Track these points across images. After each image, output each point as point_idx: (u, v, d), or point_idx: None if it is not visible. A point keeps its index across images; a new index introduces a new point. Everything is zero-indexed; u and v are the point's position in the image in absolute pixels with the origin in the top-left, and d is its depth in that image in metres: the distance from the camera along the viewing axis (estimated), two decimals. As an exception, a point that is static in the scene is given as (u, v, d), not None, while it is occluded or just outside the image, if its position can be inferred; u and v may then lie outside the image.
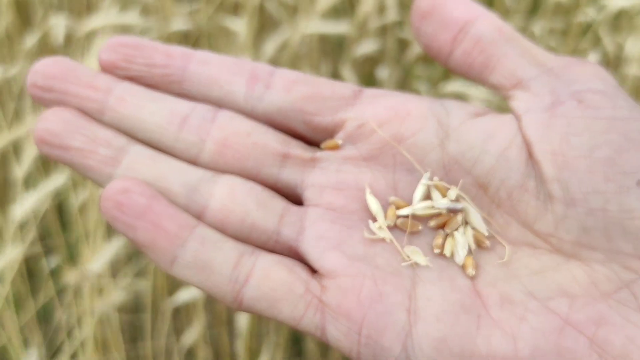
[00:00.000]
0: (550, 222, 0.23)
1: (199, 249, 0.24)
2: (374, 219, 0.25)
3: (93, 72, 0.26)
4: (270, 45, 0.69)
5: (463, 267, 0.24)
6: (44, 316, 0.76)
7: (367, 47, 0.75)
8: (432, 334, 0.23)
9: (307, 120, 0.27)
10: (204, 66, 0.27)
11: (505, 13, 0.81)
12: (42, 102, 0.26)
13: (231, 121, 0.26)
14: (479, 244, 0.25)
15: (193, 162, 0.26)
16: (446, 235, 0.25)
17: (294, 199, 0.26)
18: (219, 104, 0.27)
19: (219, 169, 0.26)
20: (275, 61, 0.72)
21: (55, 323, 0.75)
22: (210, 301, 0.75)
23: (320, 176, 0.26)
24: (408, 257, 0.24)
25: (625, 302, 0.22)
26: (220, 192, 0.25)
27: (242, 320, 0.69)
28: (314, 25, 0.67)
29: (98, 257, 0.64)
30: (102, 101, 0.25)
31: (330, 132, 0.27)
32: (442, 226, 0.25)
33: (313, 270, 0.25)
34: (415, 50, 0.78)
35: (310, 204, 0.25)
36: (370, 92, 0.27)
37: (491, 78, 0.26)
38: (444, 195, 0.25)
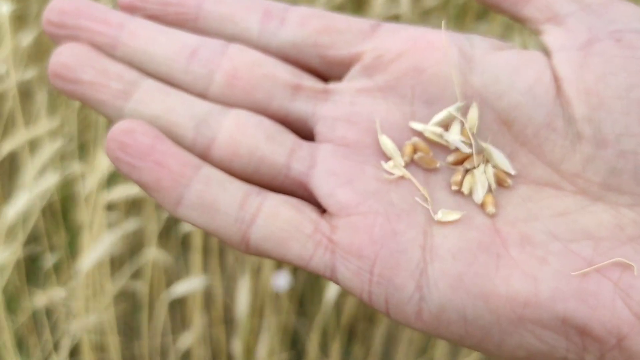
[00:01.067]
0: (578, 162, 0.22)
1: (204, 189, 0.23)
2: (388, 156, 0.24)
3: (106, 8, 0.26)
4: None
5: (482, 206, 0.23)
6: (39, 316, 0.74)
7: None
8: (448, 272, 0.21)
9: (322, 53, 0.26)
10: (218, 4, 0.26)
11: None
12: (56, 39, 0.26)
13: (241, 53, 0.25)
14: (500, 182, 0.23)
15: (203, 95, 0.25)
16: (465, 172, 0.24)
17: (306, 133, 0.25)
18: (233, 40, 0.26)
19: (228, 102, 0.25)
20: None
21: (51, 323, 0.73)
22: (209, 300, 0.74)
23: (333, 108, 0.25)
24: (427, 195, 0.23)
25: None
26: (229, 124, 0.24)
27: (240, 319, 0.68)
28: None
29: (91, 253, 0.63)
30: (115, 36, 0.25)
31: (347, 66, 0.26)
32: (460, 162, 0.24)
33: (323, 211, 0.24)
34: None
35: (322, 140, 0.24)
36: (389, 25, 0.26)
37: (525, 10, 0.25)
38: (464, 134, 0.24)
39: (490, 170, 0.24)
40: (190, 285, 0.65)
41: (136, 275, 0.74)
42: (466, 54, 0.24)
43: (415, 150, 0.24)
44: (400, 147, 0.24)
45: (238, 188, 0.23)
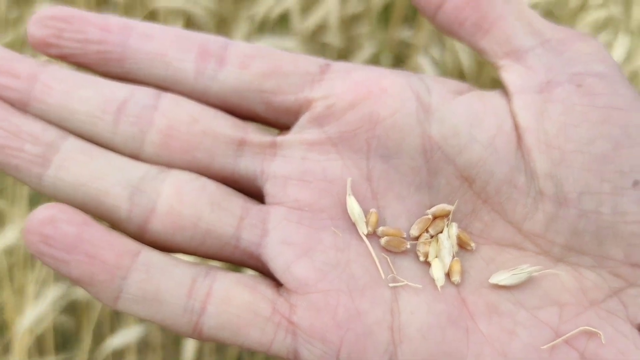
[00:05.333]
0: (540, 222, 0.21)
1: (145, 279, 0.21)
2: (350, 220, 0.22)
3: (13, 55, 0.22)
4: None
5: (448, 274, 0.22)
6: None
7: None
8: (419, 353, 0.21)
9: (267, 100, 0.23)
10: (147, 41, 0.23)
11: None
12: None
13: (176, 106, 0.22)
14: (462, 245, 0.22)
15: (135, 156, 0.22)
16: (431, 237, 0.23)
17: (256, 193, 0.23)
18: (166, 84, 0.23)
19: (165, 163, 0.22)
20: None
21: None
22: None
23: (283, 165, 0.22)
24: (392, 275, 0.22)
25: (614, 312, 0.21)
26: (168, 192, 0.21)
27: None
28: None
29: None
30: (26, 90, 0.22)
31: (295, 114, 0.23)
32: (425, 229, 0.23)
33: (279, 284, 0.22)
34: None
35: (272, 202, 0.22)
36: (339, 65, 0.23)
37: (483, 42, 0.23)
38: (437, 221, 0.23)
39: (453, 231, 0.22)
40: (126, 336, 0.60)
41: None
42: (424, 102, 0.23)
43: (379, 227, 0.22)
44: (365, 217, 0.23)
45: (183, 273, 0.21)
